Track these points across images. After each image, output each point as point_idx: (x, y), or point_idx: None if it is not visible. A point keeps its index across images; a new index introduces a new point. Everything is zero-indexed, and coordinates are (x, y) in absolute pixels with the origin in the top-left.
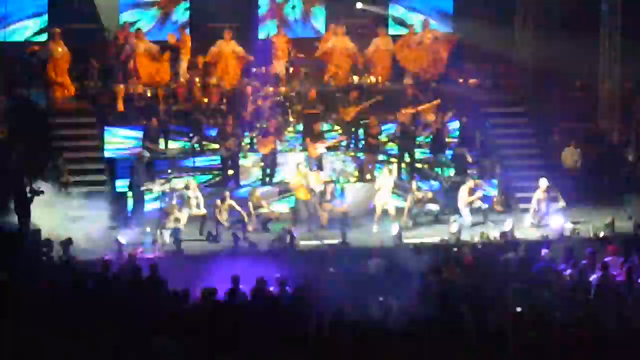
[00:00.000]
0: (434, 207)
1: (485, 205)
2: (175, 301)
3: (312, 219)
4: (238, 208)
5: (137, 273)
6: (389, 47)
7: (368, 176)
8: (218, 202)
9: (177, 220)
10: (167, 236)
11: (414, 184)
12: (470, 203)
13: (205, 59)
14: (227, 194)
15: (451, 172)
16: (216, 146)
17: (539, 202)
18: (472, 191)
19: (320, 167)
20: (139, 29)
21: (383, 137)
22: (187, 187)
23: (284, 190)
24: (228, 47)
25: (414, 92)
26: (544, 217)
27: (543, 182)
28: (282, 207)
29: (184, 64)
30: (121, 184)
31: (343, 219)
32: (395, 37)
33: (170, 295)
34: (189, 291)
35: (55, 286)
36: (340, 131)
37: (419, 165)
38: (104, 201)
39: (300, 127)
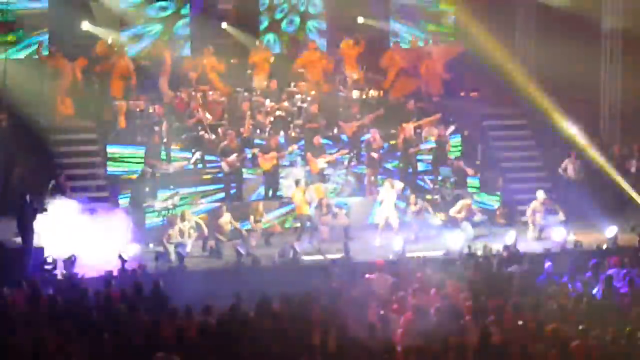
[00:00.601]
0: (437, 218)
1: (483, 217)
2: (178, 317)
3: (313, 233)
4: (236, 225)
5: (140, 289)
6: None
7: (370, 190)
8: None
9: (181, 233)
10: (172, 250)
11: (412, 197)
12: (461, 217)
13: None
14: (224, 208)
15: (452, 185)
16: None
17: (534, 213)
18: (465, 210)
19: (322, 182)
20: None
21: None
22: (182, 219)
23: (286, 205)
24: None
25: (415, 106)
26: (543, 230)
27: (540, 195)
28: (285, 222)
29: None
30: (123, 200)
31: (345, 233)
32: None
33: (173, 311)
34: (191, 307)
35: (58, 302)
36: (341, 146)
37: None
38: (107, 217)
39: (302, 142)
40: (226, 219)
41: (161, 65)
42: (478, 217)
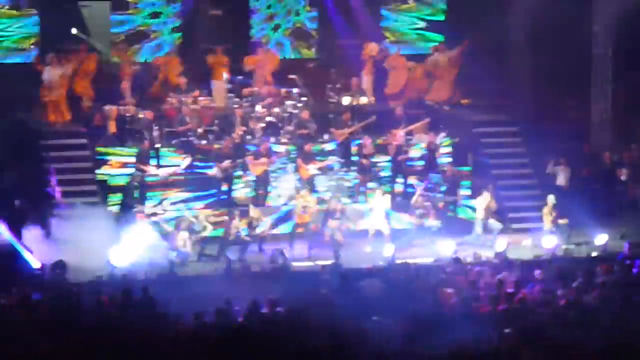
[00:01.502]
0: (434, 223)
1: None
2: (167, 323)
3: (313, 241)
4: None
5: (129, 294)
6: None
7: (361, 197)
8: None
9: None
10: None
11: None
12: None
13: None
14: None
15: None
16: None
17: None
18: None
19: (312, 188)
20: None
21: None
22: (196, 217)
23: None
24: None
25: (405, 112)
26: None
27: (550, 199)
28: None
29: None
30: (113, 205)
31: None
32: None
33: (162, 317)
34: (181, 313)
35: (47, 306)
36: (332, 152)
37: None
38: (97, 222)
39: (293, 148)
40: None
41: (122, 70)
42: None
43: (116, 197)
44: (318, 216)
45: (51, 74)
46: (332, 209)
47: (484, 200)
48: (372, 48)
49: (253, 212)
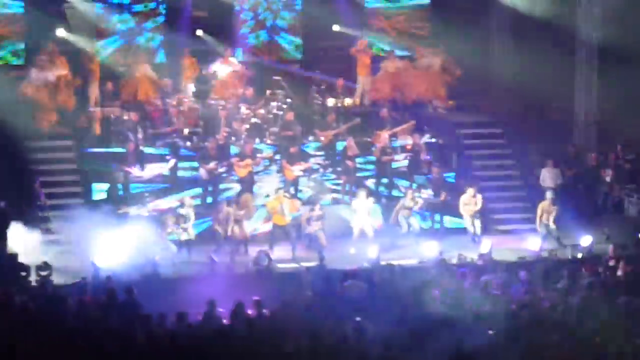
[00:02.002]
0: (415, 223)
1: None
2: (151, 325)
3: (291, 243)
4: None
5: (113, 296)
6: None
7: (346, 198)
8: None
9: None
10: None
11: (410, 192)
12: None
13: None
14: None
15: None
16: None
17: (545, 213)
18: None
19: (296, 189)
20: None
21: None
22: (182, 205)
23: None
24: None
25: (390, 114)
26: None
27: (549, 194)
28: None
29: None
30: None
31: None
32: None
33: (146, 319)
34: (164, 315)
35: (31, 309)
36: (317, 154)
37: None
38: (80, 223)
39: (277, 149)
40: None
41: (88, 71)
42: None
43: (100, 190)
44: (296, 219)
45: (38, 76)
46: (312, 214)
47: (469, 198)
48: (363, 43)
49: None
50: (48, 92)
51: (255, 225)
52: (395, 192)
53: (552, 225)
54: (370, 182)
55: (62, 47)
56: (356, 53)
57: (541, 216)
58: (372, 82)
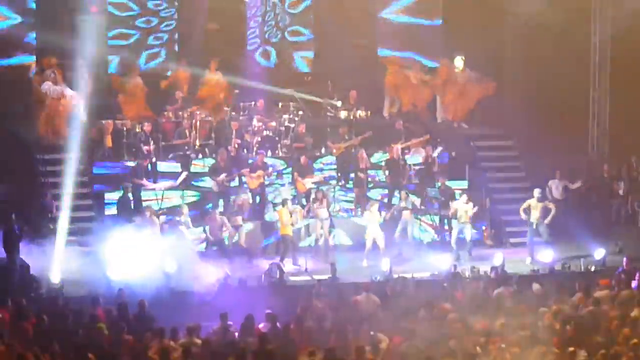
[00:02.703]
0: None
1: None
2: (164, 337)
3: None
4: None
5: (125, 309)
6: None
7: (358, 211)
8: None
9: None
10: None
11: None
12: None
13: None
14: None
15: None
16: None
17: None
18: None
19: (307, 201)
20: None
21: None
22: (180, 212)
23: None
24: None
25: (403, 126)
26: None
27: (537, 192)
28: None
29: None
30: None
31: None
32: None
33: (159, 332)
34: (176, 328)
35: (44, 321)
36: (328, 166)
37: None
38: (92, 236)
39: (289, 161)
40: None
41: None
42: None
43: (112, 202)
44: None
45: (50, 90)
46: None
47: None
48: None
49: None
50: (58, 105)
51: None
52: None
53: (541, 225)
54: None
55: (70, 61)
56: (386, 62)
57: (527, 209)
58: (404, 94)
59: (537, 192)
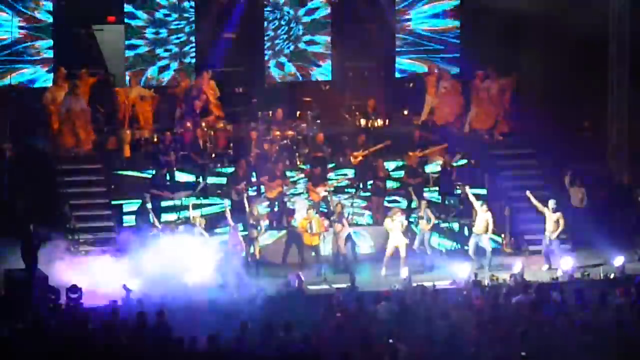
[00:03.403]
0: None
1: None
2: (182, 348)
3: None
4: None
5: (144, 319)
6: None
7: (377, 219)
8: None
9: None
10: None
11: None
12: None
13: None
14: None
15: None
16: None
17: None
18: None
19: (328, 210)
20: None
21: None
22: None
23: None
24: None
25: (422, 135)
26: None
27: (551, 203)
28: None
29: None
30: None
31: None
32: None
33: (178, 342)
34: (196, 338)
35: (62, 332)
36: (345, 174)
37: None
38: (111, 247)
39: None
40: None
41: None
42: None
43: (131, 221)
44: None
45: (70, 102)
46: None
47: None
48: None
49: (256, 210)
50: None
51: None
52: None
53: (552, 236)
54: (402, 203)
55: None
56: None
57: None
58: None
59: (552, 202)
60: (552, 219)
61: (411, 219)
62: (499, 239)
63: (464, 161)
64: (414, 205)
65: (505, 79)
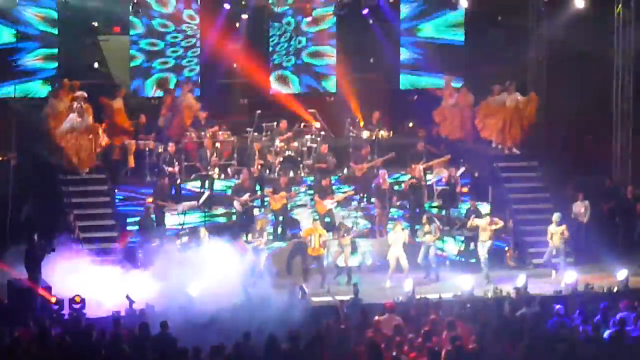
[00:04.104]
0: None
1: None
2: (186, 359)
3: (324, 274)
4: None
5: (147, 330)
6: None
7: (381, 232)
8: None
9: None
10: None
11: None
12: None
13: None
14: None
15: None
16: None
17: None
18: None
19: (332, 222)
20: None
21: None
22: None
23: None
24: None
25: (425, 147)
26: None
27: (555, 216)
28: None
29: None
30: (132, 239)
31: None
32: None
33: (181, 353)
34: (199, 348)
35: (66, 342)
36: (350, 187)
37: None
38: (115, 257)
39: (311, 182)
40: None
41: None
42: None
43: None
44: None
45: (76, 122)
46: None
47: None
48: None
49: (257, 224)
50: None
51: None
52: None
53: (560, 246)
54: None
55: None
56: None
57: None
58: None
59: (556, 216)
60: (558, 233)
61: (417, 228)
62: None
63: (468, 173)
64: (417, 217)
65: (525, 98)
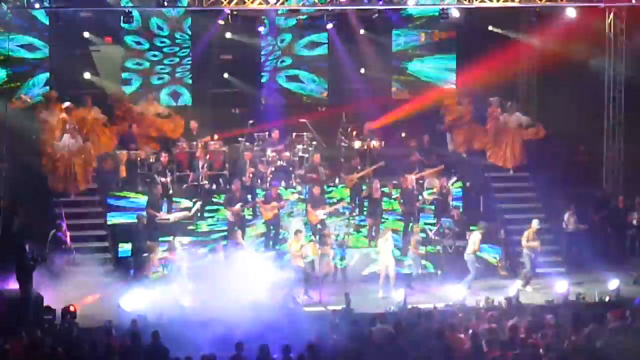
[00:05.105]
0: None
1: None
2: None
3: (310, 285)
4: None
5: (138, 340)
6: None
7: (372, 241)
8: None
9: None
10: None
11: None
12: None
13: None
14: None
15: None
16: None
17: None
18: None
19: (321, 232)
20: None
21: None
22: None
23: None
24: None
25: (417, 157)
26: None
27: (535, 223)
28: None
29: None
30: (124, 249)
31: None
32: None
33: None
34: (191, 358)
35: (58, 352)
36: (341, 196)
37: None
38: (107, 267)
39: (303, 192)
40: None
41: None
42: None
43: (127, 242)
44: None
45: (69, 144)
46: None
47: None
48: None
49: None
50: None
51: None
52: (421, 234)
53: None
54: (398, 224)
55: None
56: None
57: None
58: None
59: (535, 223)
60: (531, 232)
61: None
62: (494, 261)
63: (460, 183)
64: (409, 227)
65: (533, 129)
